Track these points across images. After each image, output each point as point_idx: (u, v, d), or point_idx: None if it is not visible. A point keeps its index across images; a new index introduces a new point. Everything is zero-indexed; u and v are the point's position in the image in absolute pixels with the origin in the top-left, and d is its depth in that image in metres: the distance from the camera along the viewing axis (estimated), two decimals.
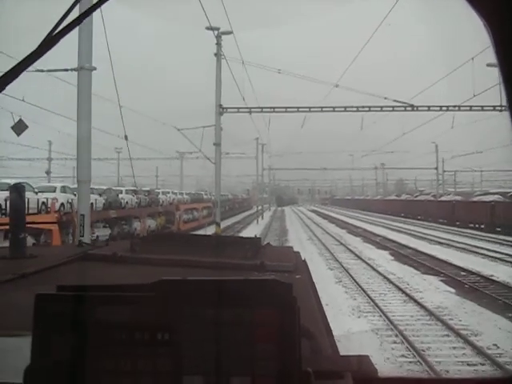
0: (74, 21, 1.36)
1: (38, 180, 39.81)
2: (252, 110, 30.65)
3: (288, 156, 78.51)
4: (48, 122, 37.79)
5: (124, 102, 15.70)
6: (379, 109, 29.30)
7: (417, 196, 73.58)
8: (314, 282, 2.89)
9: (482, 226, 39.87)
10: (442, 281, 18.64)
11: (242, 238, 5.66)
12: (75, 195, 18.57)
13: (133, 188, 34.48)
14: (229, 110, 29.36)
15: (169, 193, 44.80)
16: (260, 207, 66.39)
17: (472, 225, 41.81)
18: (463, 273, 19.93)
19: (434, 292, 16.81)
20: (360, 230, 43.30)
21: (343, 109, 29.83)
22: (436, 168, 64.34)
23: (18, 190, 4.13)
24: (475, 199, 48.77)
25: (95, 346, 1.10)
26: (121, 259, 3.06)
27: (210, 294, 1.12)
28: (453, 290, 16.80)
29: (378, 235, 38.14)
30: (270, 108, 30.81)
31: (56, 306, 1.12)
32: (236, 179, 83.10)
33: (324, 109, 29.92)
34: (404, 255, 26.59)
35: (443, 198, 57.39)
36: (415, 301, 15.16)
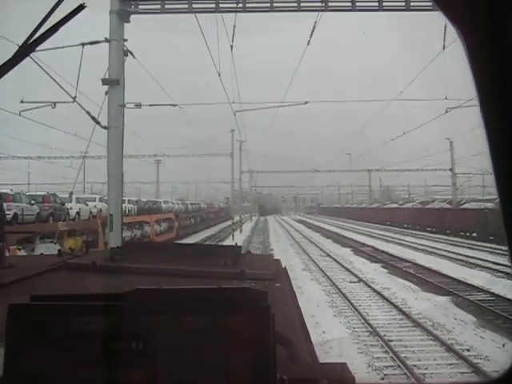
0: (49, 29, 1.42)
1: None
2: None
3: (271, 160, 67.46)
4: None
5: None
6: None
7: (401, 204, 70.65)
8: (293, 290, 2.89)
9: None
10: None
11: (222, 246, 6.71)
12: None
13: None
14: None
15: (93, 200, 32.42)
16: (238, 217, 55.13)
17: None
18: None
19: None
20: (384, 256, 32.01)
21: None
22: (451, 169, 53.68)
23: None
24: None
25: (69, 356, 1.10)
26: (100, 268, 3.02)
27: (184, 303, 1.13)
28: None
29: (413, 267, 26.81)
30: None
31: (29, 317, 1.12)
32: (219, 186, 73.40)
33: None
34: None
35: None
36: None
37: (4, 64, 1.32)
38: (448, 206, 50.63)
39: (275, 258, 3.86)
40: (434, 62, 22.56)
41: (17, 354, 1.09)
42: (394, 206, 71.28)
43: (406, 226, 54.94)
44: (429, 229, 46.98)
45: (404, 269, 23.53)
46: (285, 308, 2.19)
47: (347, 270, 23.85)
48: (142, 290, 1.17)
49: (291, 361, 1.46)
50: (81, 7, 1.45)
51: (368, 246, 35.22)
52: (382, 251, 30.98)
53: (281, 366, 1.16)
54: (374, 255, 29.38)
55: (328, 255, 30.14)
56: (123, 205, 34.98)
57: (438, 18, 1.11)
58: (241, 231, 50.81)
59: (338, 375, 1.33)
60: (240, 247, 3.81)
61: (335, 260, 27.55)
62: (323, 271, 23.21)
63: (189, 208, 54.74)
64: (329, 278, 21.45)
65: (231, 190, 50.08)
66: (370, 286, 19.35)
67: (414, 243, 36.08)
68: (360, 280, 20.97)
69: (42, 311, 1.13)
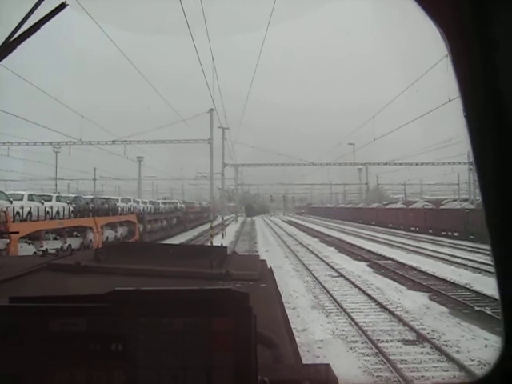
0: (31, 27, 1.42)
1: None
2: None
3: (258, 153, 58.80)
4: None
5: None
6: None
7: (386, 204, 67.93)
8: (279, 291, 2.86)
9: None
10: None
11: (208, 246, 6.28)
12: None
13: None
14: None
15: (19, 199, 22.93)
16: (220, 219, 46.51)
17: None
18: None
19: None
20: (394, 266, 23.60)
21: None
22: (470, 162, 45.34)
23: None
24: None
25: (48, 357, 1.09)
26: (84, 269, 2.93)
27: (164, 304, 1.12)
28: None
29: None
30: None
31: (8, 318, 1.11)
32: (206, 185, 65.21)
33: None
34: None
35: None
36: None
37: None
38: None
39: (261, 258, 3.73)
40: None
41: None
42: (399, 206, 62.83)
43: (413, 228, 48.41)
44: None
45: None
46: (269, 309, 2.15)
47: (382, 306, 15.30)
48: (121, 292, 1.15)
49: (274, 362, 1.46)
50: (62, 6, 1.48)
51: (386, 258, 26.81)
52: (412, 267, 22.57)
53: (264, 368, 1.17)
54: (403, 274, 20.89)
55: (339, 273, 21.62)
56: (55, 204, 27.07)
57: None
58: (223, 236, 42.24)
59: (321, 377, 1.34)
60: (226, 248, 3.73)
61: (352, 283, 19.05)
62: (346, 311, 14.60)
63: (160, 208, 45.62)
64: (364, 330, 12.86)
65: (210, 186, 41.12)
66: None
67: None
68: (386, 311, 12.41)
69: (20, 313, 1.12)
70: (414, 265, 24.02)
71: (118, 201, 36.20)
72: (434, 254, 29.32)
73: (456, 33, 1.10)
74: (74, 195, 30.72)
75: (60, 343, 1.09)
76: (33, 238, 21.13)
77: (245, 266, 3.10)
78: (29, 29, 1.39)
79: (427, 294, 17.02)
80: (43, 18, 1.43)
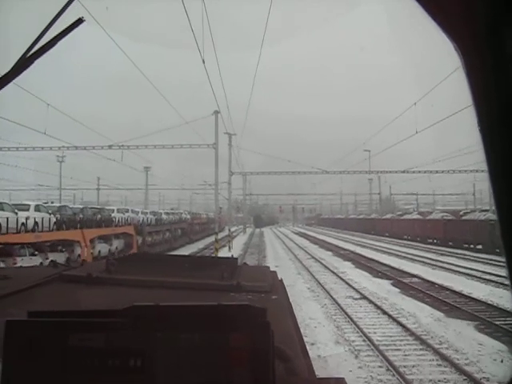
0: (48, 43, 1.45)
1: None
2: None
3: (268, 161, 56.07)
4: None
5: None
6: None
7: (400, 215, 66.23)
8: (290, 302, 2.82)
9: None
10: None
11: (218, 258, 6.01)
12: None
13: None
14: None
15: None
16: (228, 230, 43.76)
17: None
18: None
19: None
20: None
21: None
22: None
23: None
24: None
25: (67, 373, 1.08)
26: (96, 280, 2.88)
27: (182, 320, 1.13)
28: None
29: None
30: None
31: (27, 333, 1.11)
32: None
33: None
34: None
35: None
36: None
37: (3, 77, 1.37)
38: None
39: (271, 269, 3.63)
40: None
41: (14, 372, 1.08)
42: (415, 216, 59.64)
43: (430, 240, 45.61)
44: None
45: None
46: (282, 322, 2.07)
47: (421, 340, 12.39)
48: (138, 307, 1.15)
49: (289, 376, 1.44)
50: (79, 21, 1.50)
51: (411, 275, 23.91)
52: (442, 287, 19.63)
53: (279, 382, 1.16)
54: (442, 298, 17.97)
55: (361, 294, 18.74)
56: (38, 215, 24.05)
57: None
58: (230, 248, 39.44)
59: None
60: (236, 259, 3.67)
61: (379, 307, 16.16)
62: (379, 348, 11.68)
63: (163, 219, 42.74)
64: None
65: (215, 195, 38.18)
66: None
67: None
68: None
69: (40, 328, 1.12)
70: (445, 284, 21.10)
71: (112, 211, 33.21)
72: (462, 269, 26.39)
73: (470, 47, 1.11)
74: (59, 204, 27.84)
75: (79, 359, 1.08)
76: (1, 253, 18.39)
77: (255, 278, 3.06)
78: (46, 44, 1.43)
79: (472, 322, 14.09)
80: (60, 33, 1.46)
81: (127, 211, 36.48)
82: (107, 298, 2.37)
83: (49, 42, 1.43)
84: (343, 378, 1.41)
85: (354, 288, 20.57)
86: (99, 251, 26.68)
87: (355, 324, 14.00)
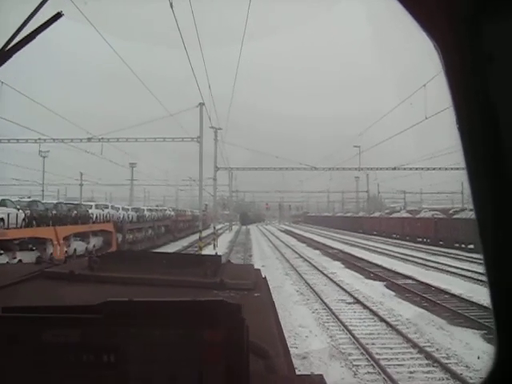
0: (27, 36, 1.43)
1: None
2: None
3: (255, 157, 54.59)
4: None
5: None
6: None
7: (389, 213, 65.26)
8: (273, 300, 2.81)
9: None
10: None
11: (202, 255, 5.62)
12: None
13: None
14: None
15: None
16: (213, 228, 42.29)
17: None
18: None
19: None
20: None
21: None
22: None
23: None
24: None
25: (40, 368, 1.08)
26: (78, 277, 2.87)
27: (157, 316, 1.11)
28: None
29: None
30: None
31: (0, 329, 1.10)
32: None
33: None
34: None
35: None
36: None
37: None
38: None
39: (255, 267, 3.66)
40: None
41: None
42: (405, 215, 58.58)
43: (420, 239, 44.73)
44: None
45: None
46: (263, 319, 2.05)
47: (426, 353, 11.04)
48: (113, 302, 1.14)
49: (268, 373, 1.43)
50: (58, 15, 1.47)
51: (404, 276, 22.66)
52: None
53: (257, 378, 1.16)
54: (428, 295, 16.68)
55: (354, 298, 17.39)
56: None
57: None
58: (215, 246, 37.97)
59: None
60: (220, 256, 3.66)
61: (375, 313, 14.80)
62: (379, 363, 10.27)
63: (145, 216, 40.97)
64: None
65: (199, 191, 36.60)
66: None
67: None
68: None
69: (14, 323, 1.11)
70: (442, 286, 19.88)
71: (90, 207, 31.38)
72: (458, 270, 25.19)
73: (449, 46, 1.11)
74: (29, 199, 26.03)
75: (53, 354, 1.08)
76: None
77: (239, 275, 3.05)
78: (24, 38, 1.40)
79: (478, 332, 12.79)
80: (39, 26, 1.43)
81: (107, 207, 34.62)
82: (88, 295, 2.27)
83: (27, 35, 1.42)
84: (321, 375, 1.44)
85: (345, 290, 19.23)
86: (75, 249, 24.96)
87: (350, 333, 12.61)
